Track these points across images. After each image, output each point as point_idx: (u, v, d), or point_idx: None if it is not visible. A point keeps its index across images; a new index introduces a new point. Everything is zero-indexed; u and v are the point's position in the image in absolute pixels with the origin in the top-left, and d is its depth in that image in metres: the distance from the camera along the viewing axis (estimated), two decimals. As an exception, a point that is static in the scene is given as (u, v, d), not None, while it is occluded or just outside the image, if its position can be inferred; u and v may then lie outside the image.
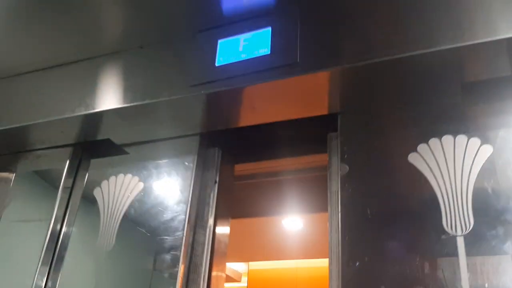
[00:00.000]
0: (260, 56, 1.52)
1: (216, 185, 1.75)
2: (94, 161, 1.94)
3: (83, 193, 1.86)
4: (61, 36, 1.79)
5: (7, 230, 1.89)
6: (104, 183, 1.84)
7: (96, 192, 1.84)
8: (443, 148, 1.42)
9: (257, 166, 1.97)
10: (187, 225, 1.60)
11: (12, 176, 2.04)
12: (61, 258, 1.74)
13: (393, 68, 1.38)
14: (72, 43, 1.81)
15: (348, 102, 1.56)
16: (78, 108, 1.73)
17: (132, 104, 1.65)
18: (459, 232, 1.30)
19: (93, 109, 1.71)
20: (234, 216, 1.95)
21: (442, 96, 1.47)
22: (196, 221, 1.66)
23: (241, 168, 1.96)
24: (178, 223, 1.61)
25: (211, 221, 1.69)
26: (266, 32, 1.56)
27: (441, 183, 1.38)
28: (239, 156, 1.92)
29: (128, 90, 1.68)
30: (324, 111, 1.60)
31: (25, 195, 1.98)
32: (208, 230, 1.67)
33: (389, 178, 1.45)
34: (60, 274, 1.72)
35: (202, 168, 1.75)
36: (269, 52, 1.52)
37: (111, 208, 1.76)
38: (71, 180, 1.87)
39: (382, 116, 1.55)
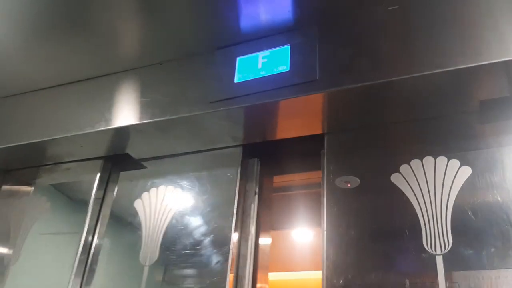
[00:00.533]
0: (279, 73, 1.54)
1: (256, 196, 1.75)
2: (129, 173, 1.94)
3: (117, 205, 1.87)
4: (83, 53, 1.82)
5: (38, 242, 1.90)
6: (145, 195, 1.84)
7: (137, 204, 1.83)
8: (424, 169, 1.47)
9: (295, 177, 1.97)
10: (233, 237, 1.59)
11: (31, 189, 2.07)
12: (92, 270, 1.75)
13: (409, 86, 1.40)
14: (93, 59, 1.84)
15: (361, 118, 1.59)
16: (98, 123, 1.75)
17: (152, 120, 1.67)
18: (438, 251, 1.34)
19: (113, 125, 1.73)
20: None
21: (457, 112, 1.49)
22: (241, 233, 1.65)
23: (279, 180, 1.97)
24: (224, 235, 1.59)
25: (253, 232, 1.68)
26: (285, 50, 1.58)
27: (422, 203, 1.42)
28: (277, 168, 1.90)
29: (149, 106, 1.70)
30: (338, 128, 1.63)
31: (46, 208, 1.99)
32: (250, 242, 1.65)
33: (372, 198, 1.50)
34: (91, 286, 1.73)
35: (244, 179, 1.74)
36: (288, 69, 1.53)
37: (153, 221, 1.75)
38: (101, 192, 1.88)
39: (368, 136, 1.61)
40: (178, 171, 1.83)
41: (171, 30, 1.69)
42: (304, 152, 1.72)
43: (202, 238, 1.64)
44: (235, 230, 1.60)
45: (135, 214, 1.80)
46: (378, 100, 1.48)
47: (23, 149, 1.93)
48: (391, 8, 1.48)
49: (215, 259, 1.58)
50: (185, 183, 1.79)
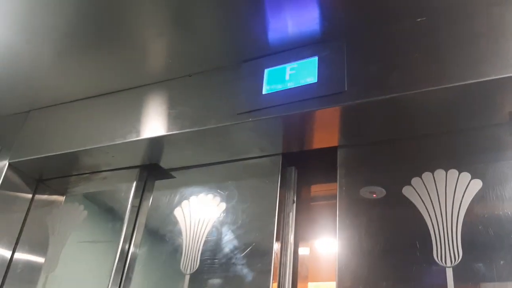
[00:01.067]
0: (307, 85, 1.56)
1: (294, 205, 1.76)
2: (166, 181, 1.97)
3: (155, 213, 1.90)
4: (115, 66, 1.87)
5: (75, 251, 1.94)
6: (185, 203, 1.86)
7: (177, 212, 1.85)
8: (435, 182, 1.48)
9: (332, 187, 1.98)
10: (275, 246, 1.58)
11: (67, 198, 2.13)
12: (129, 279, 1.77)
13: (437, 98, 1.40)
14: (124, 72, 1.89)
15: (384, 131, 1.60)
16: (129, 134, 1.79)
17: (181, 131, 1.70)
18: (448, 263, 1.34)
19: (143, 135, 1.78)
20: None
21: (488, 124, 1.48)
22: (282, 242, 1.66)
23: (317, 189, 1.97)
24: (265, 244, 1.59)
25: (291, 242, 1.68)
26: (312, 61, 1.60)
27: (432, 215, 1.43)
28: (314, 177, 1.90)
29: (178, 118, 1.73)
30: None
31: (83, 217, 2.03)
32: (289, 251, 1.66)
33: (384, 210, 1.51)
34: None
35: (282, 188, 1.74)
36: (316, 81, 1.55)
37: (194, 229, 1.77)
38: (138, 200, 1.92)
39: (382, 149, 1.63)
40: (216, 180, 1.85)
41: (199, 44, 1.72)
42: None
43: (243, 246, 1.64)
44: (276, 239, 1.60)
45: (175, 222, 1.82)
46: (406, 112, 1.48)
47: (57, 159, 1.98)
48: (419, 20, 1.48)
49: (256, 268, 1.57)
50: (224, 192, 1.80)
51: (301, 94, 1.55)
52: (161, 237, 1.82)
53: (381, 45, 1.52)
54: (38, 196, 2.17)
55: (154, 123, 1.78)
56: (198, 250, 1.71)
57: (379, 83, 1.44)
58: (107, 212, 1.96)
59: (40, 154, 1.99)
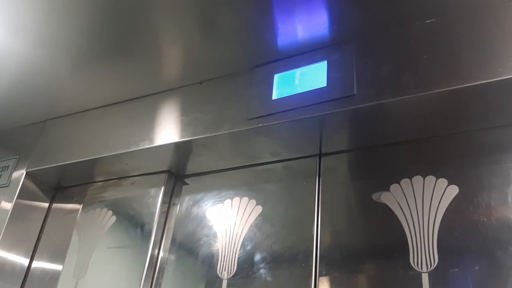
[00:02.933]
0: (317, 89, 1.56)
1: None
2: (197, 186, 1.97)
3: (187, 218, 1.90)
4: (127, 74, 1.90)
5: (104, 256, 1.94)
6: (219, 207, 1.86)
7: (212, 216, 1.85)
8: (413, 188, 1.49)
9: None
10: (316, 252, 1.55)
11: (80, 207, 2.16)
12: (159, 284, 1.78)
13: (448, 99, 1.39)
14: (137, 80, 1.92)
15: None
16: (143, 142, 1.82)
17: (194, 137, 1.72)
18: (424, 269, 1.35)
19: (156, 143, 1.80)
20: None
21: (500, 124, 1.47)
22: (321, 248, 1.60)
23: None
24: (304, 249, 1.56)
25: None
26: (322, 66, 1.60)
27: (409, 221, 1.44)
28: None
29: (190, 124, 1.75)
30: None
31: (112, 222, 2.04)
32: None
33: (362, 217, 1.56)
34: None
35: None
36: (325, 85, 1.55)
37: (230, 233, 1.76)
38: (166, 205, 1.93)
39: (360, 155, 1.67)
40: (249, 183, 1.84)
41: (211, 51, 1.74)
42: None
43: (282, 250, 1.63)
44: (317, 245, 1.57)
45: (210, 226, 1.82)
46: (416, 114, 1.48)
47: (73, 167, 2.03)
48: (428, 21, 1.48)
49: (296, 271, 1.56)
50: (260, 195, 1.79)
51: (311, 99, 1.55)
52: (195, 241, 1.82)
53: (390, 47, 1.51)
54: (56, 204, 2.20)
55: (168, 130, 1.81)
56: (235, 254, 1.70)
57: (388, 86, 1.44)
58: (136, 217, 1.96)
59: (57, 163, 2.03)
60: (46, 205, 2.18)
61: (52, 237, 2.12)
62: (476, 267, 1.30)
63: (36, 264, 2.06)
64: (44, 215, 2.16)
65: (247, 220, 1.75)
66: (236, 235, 1.74)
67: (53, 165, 2.03)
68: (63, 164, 2.01)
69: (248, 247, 1.69)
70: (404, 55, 1.47)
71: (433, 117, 1.47)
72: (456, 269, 1.32)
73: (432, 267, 1.35)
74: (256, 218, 1.74)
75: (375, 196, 1.54)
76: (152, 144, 1.80)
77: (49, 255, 2.08)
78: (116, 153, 1.87)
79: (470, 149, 1.49)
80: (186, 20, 1.62)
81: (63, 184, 2.20)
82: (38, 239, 2.10)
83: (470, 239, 1.35)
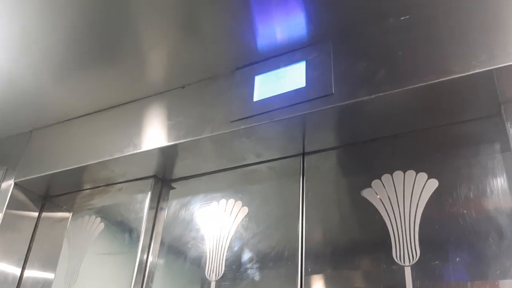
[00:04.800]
0: (296, 89, 1.57)
1: None
2: (183, 190, 1.98)
3: (174, 221, 1.91)
4: (110, 81, 1.91)
5: (94, 263, 1.95)
6: (206, 209, 1.87)
7: (199, 219, 1.86)
8: (394, 183, 1.51)
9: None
10: (301, 250, 1.56)
11: (69, 215, 2.17)
12: None
13: (424, 94, 1.41)
14: (120, 87, 1.93)
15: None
16: (127, 148, 1.83)
17: (177, 142, 1.73)
18: (406, 262, 1.37)
19: (140, 148, 1.81)
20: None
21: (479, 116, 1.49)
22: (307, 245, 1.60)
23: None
24: (290, 248, 1.58)
25: None
26: (300, 66, 1.61)
27: (391, 216, 1.46)
28: None
29: (173, 128, 1.76)
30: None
31: (100, 229, 2.05)
32: None
33: (346, 213, 1.58)
34: None
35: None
36: (305, 85, 1.57)
37: (217, 234, 1.77)
38: (153, 210, 1.93)
39: (342, 152, 1.69)
40: (235, 185, 1.86)
41: (192, 55, 1.75)
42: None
43: (268, 250, 1.64)
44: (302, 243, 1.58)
45: (198, 229, 1.83)
46: (393, 111, 1.49)
47: (61, 175, 2.03)
48: (402, 18, 1.49)
49: (282, 271, 1.57)
50: (245, 196, 1.81)
51: (290, 99, 1.57)
52: (183, 245, 1.83)
53: (367, 45, 1.53)
54: (46, 213, 2.21)
55: (151, 136, 1.82)
56: (223, 256, 1.71)
57: (365, 84, 1.45)
58: (124, 223, 1.97)
59: (44, 172, 2.04)
60: (36, 214, 2.19)
61: (43, 246, 2.12)
62: (457, 259, 1.32)
63: (28, 273, 2.06)
64: (34, 224, 2.17)
65: (233, 221, 1.77)
66: (223, 237, 1.75)
67: (41, 174, 2.04)
68: (50, 173, 2.02)
69: (235, 248, 1.71)
70: (379, 53, 1.49)
71: (410, 112, 1.49)
72: (437, 262, 1.34)
73: (414, 261, 1.37)
74: (243, 219, 1.75)
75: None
76: (137, 150, 1.81)
77: (40, 264, 2.09)
78: (101, 160, 1.88)
79: (448, 143, 1.51)
80: (167, 25, 1.64)
81: (51, 193, 2.21)
82: (29, 248, 2.11)
83: (451, 231, 1.37)
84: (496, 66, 1.29)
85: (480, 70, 1.30)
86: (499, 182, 1.39)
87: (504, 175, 1.39)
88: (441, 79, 1.34)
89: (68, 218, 2.17)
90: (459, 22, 1.40)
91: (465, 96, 1.41)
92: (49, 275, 2.05)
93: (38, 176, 2.05)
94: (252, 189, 1.81)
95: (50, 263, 2.07)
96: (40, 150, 2.14)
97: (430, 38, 1.42)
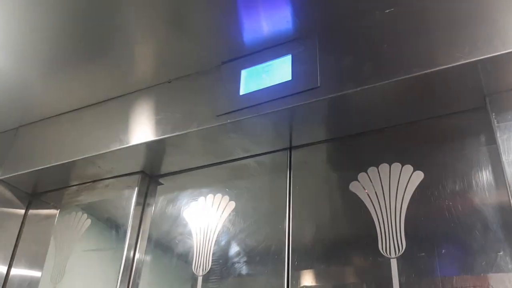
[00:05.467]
0: (282, 83, 1.57)
1: None
2: (171, 185, 1.97)
3: (162, 217, 1.90)
4: (96, 77, 1.89)
5: (81, 260, 1.93)
6: (194, 204, 1.86)
7: (187, 214, 1.85)
8: (380, 176, 1.51)
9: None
10: (288, 244, 1.56)
11: (57, 212, 2.15)
12: (136, 284, 1.77)
13: (409, 86, 1.41)
14: (106, 82, 1.91)
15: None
16: (113, 143, 1.81)
17: (163, 137, 1.72)
18: (392, 254, 1.38)
19: (127, 144, 1.80)
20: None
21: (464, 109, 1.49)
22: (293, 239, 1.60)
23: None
24: (277, 242, 1.58)
25: None
26: (286, 59, 1.61)
27: (377, 208, 1.46)
28: None
29: (160, 123, 1.75)
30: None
31: (87, 225, 2.03)
32: None
33: (333, 206, 1.58)
34: None
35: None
36: (290, 78, 1.56)
37: (204, 230, 1.76)
38: (140, 206, 1.92)
39: (329, 146, 1.69)
40: (222, 180, 1.85)
41: (178, 49, 1.74)
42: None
43: (255, 244, 1.63)
44: (288, 238, 1.58)
45: (185, 224, 1.82)
46: (379, 104, 1.49)
47: (48, 172, 2.02)
48: (387, 11, 1.49)
49: (269, 265, 1.57)
50: (233, 190, 1.80)
51: (276, 93, 1.56)
52: (170, 240, 1.82)
53: (352, 38, 1.53)
54: (33, 210, 2.19)
55: (138, 131, 1.81)
56: (210, 250, 1.71)
57: (351, 76, 1.45)
58: (111, 219, 1.96)
59: (30, 169, 2.02)
60: (22, 211, 2.17)
61: (30, 243, 2.11)
62: (443, 251, 1.32)
63: (14, 271, 2.05)
64: (20, 221, 2.15)
65: (221, 216, 1.76)
66: (211, 232, 1.74)
67: (27, 171, 2.02)
68: (37, 170, 2.00)
69: (222, 243, 1.70)
70: (365, 46, 1.48)
71: (395, 105, 1.49)
72: (423, 253, 1.34)
73: (400, 253, 1.37)
74: (230, 214, 1.75)
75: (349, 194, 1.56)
76: (123, 145, 1.80)
77: (27, 261, 2.07)
78: (87, 156, 1.86)
79: (433, 136, 1.51)
80: (153, 20, 1.62)
81: (38, 190, 2.19)
82: (16, 246, 2.09)
83: (436, 223, 1.37)
84: (481, 58, 1.29)
85: (464, 62, 1.30)
86: (484, 175, 1.39)
87: (489, 168, 1.39)
88: (425, 71, 1.34)
89: (55, 215, 2.15)
90: (443, 14, 1.40)
91: (450, 89, 1.41)
92: (36, 273, 2.03)
93: (25, 173, 2.03)
94: (240, 184, 1.81)
95: (37, 261, 2.05)
96: (26, 147, 2.12)
97: (415, 30, 1.42)
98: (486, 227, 1.31)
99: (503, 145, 1.32)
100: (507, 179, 1.27)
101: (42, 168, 1.99)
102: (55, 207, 2.17)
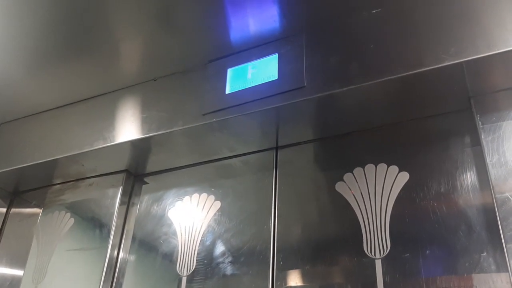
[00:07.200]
0: (268, 82, 1.56)
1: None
2: (155, 184, 1.95)
3: (146, 216, 1.88)
4: (81, 74, 1.87)
5: (64, 259, 1.90)
6: (179, 204, 1.84)
7: (171, 213, 1.83)
8: (365, 177, 1.52)
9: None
10: (273, 244, 1.55)
11: (39, 211, 2.11)
12: (120, 284, 1.76)
13: (395, 87, 1.41)
14: (90, 79, 1.89)
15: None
16: (97, 142, 1.79)
17: (148, 135, 1.70)
18: (377, 255, 1.38)
19: (111, 142, 1.77)
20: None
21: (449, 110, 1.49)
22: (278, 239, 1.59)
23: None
24: (262, 242, 1.57)
25: None
26: (273, 59, 1.60)
27: (363, 209, 1.47)
28: None
29: (145, 122, 1.73)
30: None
31: (70, 225, 2.00)
32: None
33: (318, 207, 1.57)
34: None
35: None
36: (277, 78, 1.55)
37: (189, 229, 1.75)
38: (125, 206, 1.90)
39: (315, 146, 1.69)
40: (208, 179, 1.84)
41: (164, 47, 1.72)
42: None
43: (240, 244, 1.62)
44: (274, 238, 1.57)
45: (170, 223, 1.80)
46: (364, 104, 1.49)
47: (29, 170, 1.98)
48: (374, 11, 1.49)
49: (254, 266, 1.55)
50: (218, 190, 1.79)
51: (262, 92, 1.55)
52: (154, 240, 1.80)
53: (339, 38, 1.53)
54: (15, 209, 2.16)
55: (122, 129, 1.79)
56: (195, 250, 1.69)
57: (337, 76, 1.45)
58: (95, 219, 1.93)
59: (12, 166, 1.98)
60: (4, 210, 2.14)
61: (11, 243, 2.07)
62: (427, 251, 1.33)
63: (-5, 270, 2.01)
64: (1, 220, 2.11)
65: (206, 215, 1.75)
66: (195, 231, 1.73)
67: (9, 168, 1.98)
68: (19, 168, 1.97)
69: (207, 243, 1.69)
70: (351, 46, 1.48)
71: (382, 105, 1.49)
72: (407, 254, 1.34)
73: (385, 253, 1.37)
74: (215, 213, 1.74)
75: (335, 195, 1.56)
76: (107, 143, 1.77)
77: (8, 260, 2.04)
78: (70, 154, 1.84)
79: (419, 137, 1.51)
80: (139, 18, 1.60)
81: (21, 189, 2.16)
82: (-4, 245, 2.06)
83: (421, 224, 1.37)
84: (466, 59, 1.29)
85: (449, 63, 1.31)
86: (469, 176, 1.40)
87: (474, 169, 1.40)
88: (411, 72, 1.34)
89: (38, 214, 2.11)
90: (429, 15, 1.40)
91: (436, 90, 1.41)
92: (18, 272, 1.99)
93: (7, 171, 2.00)
94: (225, 184, 1.79)
95: (19, 260, 2.01)
96: (8, 144, 2.09)
97: (401, 31, 1.43)
98: (470, 228, 1.32)
99: (487, 147, 1.33)
100: (490, 180, 1.28)
101: (24, 166, 1.96)
102: (38, 206, 2.13)
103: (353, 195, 1.50)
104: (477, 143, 1.39)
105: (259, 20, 1.59)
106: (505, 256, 1.20)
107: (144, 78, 1.85)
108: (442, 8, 1.40)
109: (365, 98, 1.45)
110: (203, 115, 1.63)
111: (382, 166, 1.51)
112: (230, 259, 1.61)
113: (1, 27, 1.65)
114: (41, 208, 2.12)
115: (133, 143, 1.75)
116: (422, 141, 1.50)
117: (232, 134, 1.69)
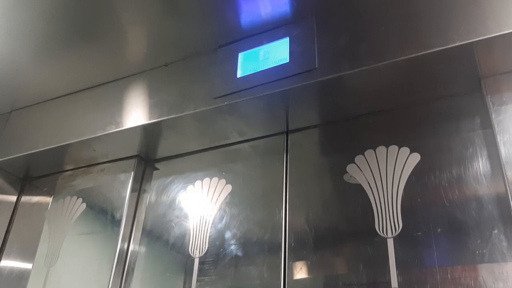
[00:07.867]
0: (280, 65, 1.57)
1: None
2: (167, 169, 1.97)
3: (158, 200, 1.90)
4: (91, 60, 1.88)
5: (76, 243, 1.92)
6: (190, 188, 1.86)
7: (183, 197, 1.85)
8: (377, 159, 1.53)
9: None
10: (285, 226, 1.57)
11: (50, 198, 2.13)
12: (131, 268, 1.77)
13: (405, 68, 1.42)
14: (101, 66, 1.90)
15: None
16: (109, 126, 1.81)
17: (160, 119, 1.71)
18: (389, 234, 1.40)
19: (123, 126, 1.79)
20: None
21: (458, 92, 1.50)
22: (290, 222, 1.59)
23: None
24: (274, 224, 1.58)
25: None
26: (284, 42, 1.61)
27: (374, 190, 1.49)
28: None
29: (156, 106, 1.75)
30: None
31: (82, 209, 2.02)
32: None
33: (329, 189, 1.59)
34: (133, 283, 1.75)
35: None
36: (288, 61, 1.57)
37: (201, 213, 1.76)
38: (136, 191, 1.92)
39: (326, 129, 1.70)
40: (218, 164, 1.85)
41: (175, 31, 1.74)
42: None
43: (252, 227, 1.64)
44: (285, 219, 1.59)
45: (181, 207, 1.82)
46: (375, 85, 1.51)
47: (40, 155, 2.00)
48: (385, -9, 1.50)
49: (267, 247, 1.57)
50: (229, 174, 1.80)
51: (274, 75, 1.57)
52: (166, 223, 1.82)
53: (350, 20, 1.54)
54: (25, 196, 2.17)
55: (134, 113, 1.80)
56: (206, 233, 1.71)
57: (348, 58, 1.46)
58: (106, 204, 1.93)
59: (23, 152, 1.99)
60: (14, 198, 2.15)
61: (23, 228, 2.09)
62: (438, 230, 1.34)
63: (6, 256, 2.03)
64: (12, 208, 2.12)
65: (217, 199, 1.76)
66: (207, 214, 1.75)
67: (20, 154, 1.99)
68: (29, 153, 1.98)
69: (219, 226, 1.70)
70: (362, 28, 1.50)
71: (392, 87, 1.50)
72: (419, 233, 1.36)
73: (397, 232, 1.39)
74: (226, 196, 1.75)
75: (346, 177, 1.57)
76: (119, 127, 1.79)
77: (19, 248, 2.05)
78: (82, 139, 1.85)
79: (430, 118, 1.52)
80: (148, 2, 1.62)
81: (31, 175, 2.17)
82: (7, 231, 2.07)
83: (432, 203, 1.39)
84: (476, 39, 1.30)
85: (459, 43, 1.32)
86: (480, 156, 1.41)
87: (485, 149, 1.41)
88: (421, 53, 1.35)
89: (48, 201, 2.13)
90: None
91: (446, 70, 1.42)
92: (29, 258, 2.01)
93: (17, 156, 2.01)
94: (236, 168, 1.81)
95: (30, 248, 2.02)
96: (19, 131, 2.10)
97: (411, 12, 1.44)
98: (481, 205, 1.33)
99: (498, 126, 1.35)
100: (502, 159, 1.30)
101: (35, 152, 1.97)
102: (48, 193, 2.15)
103: (365, 176, 1.52)
104: (487, 123, 1.40)
105: (269, 3, 1.61)
106: (516, 232, 1.22)
107: (155, 64, 1.86)
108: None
109: (377, 79, 1.46)
110: (215, 98, 1.64)
111: (393, 148, 1.52)
112: (241, 241, 1.63)
113: (10, 14, 1.66)
114: (51, 195, 2.13)
115: (145, 127, 1.76)
116: (433, 123, 1.51)
117: (243, 118, 1.70)
